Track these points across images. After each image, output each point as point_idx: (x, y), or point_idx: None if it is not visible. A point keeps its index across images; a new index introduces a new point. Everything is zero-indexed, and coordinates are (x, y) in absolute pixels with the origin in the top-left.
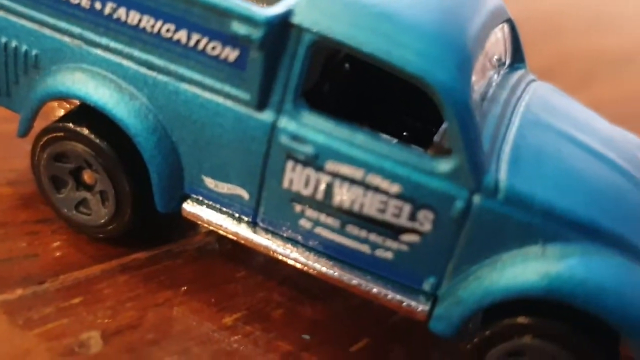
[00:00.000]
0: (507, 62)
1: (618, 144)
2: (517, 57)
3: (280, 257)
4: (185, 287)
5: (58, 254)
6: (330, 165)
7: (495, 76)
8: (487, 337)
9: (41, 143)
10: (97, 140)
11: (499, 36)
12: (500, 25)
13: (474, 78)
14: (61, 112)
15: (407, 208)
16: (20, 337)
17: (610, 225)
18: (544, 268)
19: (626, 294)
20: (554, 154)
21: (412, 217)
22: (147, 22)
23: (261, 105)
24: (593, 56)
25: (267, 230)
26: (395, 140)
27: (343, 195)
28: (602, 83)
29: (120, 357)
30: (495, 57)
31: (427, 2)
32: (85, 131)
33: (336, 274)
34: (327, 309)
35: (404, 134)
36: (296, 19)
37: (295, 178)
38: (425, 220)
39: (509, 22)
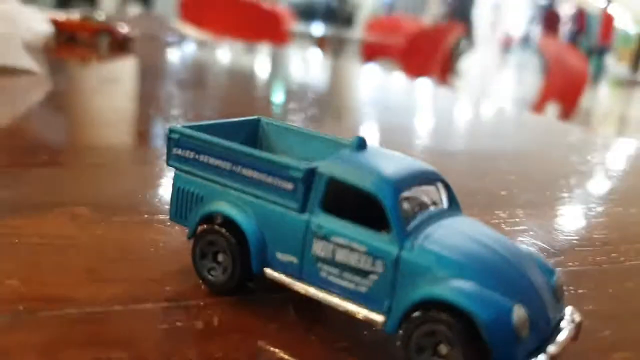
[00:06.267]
0: (444, 204)
1: (502, 242)
2: (453, 203)
3: (310, 296)
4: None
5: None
6: (333, 239)
7: (432, 208)
8: (413, 324)
9: (199, 234)
10: (228, 234)
11: (437, 189)
12: (437, 183)
13: (410, 201)
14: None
15: (370, 259)
16: None
17: (470, 270)
18: (437, 286)
19: (477, 299)
20: (449, 238)
21: (373, 264)
22: (252, 173)
23: (302, 210)
24: None
25: (304, 281)
26: (366, 226)
27: (340, 255)
28: None
29: None
30: (433, 199)
31: (388, 164)
32: (223, 230)
33: (337, 301)
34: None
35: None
36: (319, 169)
37: (318, 247)
38: (379, 266)
39: (443, 182)
